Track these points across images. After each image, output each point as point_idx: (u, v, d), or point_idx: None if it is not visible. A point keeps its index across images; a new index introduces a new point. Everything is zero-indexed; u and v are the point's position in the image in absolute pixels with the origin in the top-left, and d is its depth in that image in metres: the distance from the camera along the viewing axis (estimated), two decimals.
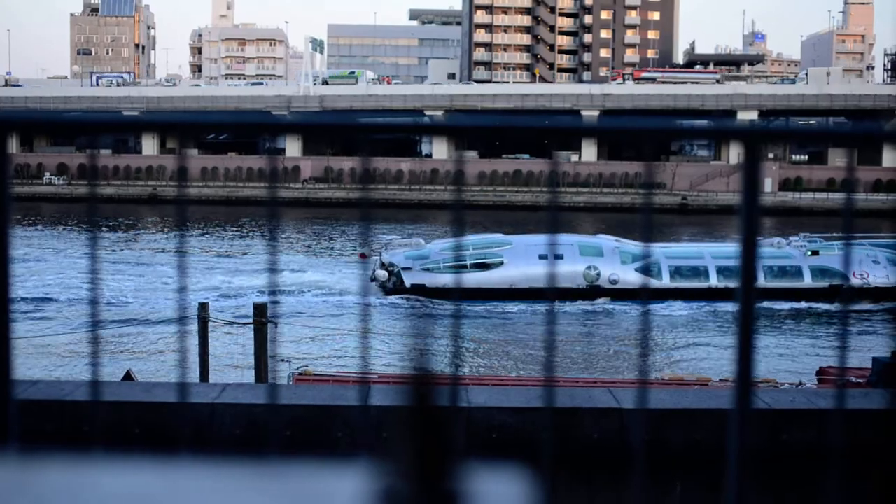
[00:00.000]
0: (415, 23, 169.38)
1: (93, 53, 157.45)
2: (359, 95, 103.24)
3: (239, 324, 24.32)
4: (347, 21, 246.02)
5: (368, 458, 0.94)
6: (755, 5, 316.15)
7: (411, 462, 0.90)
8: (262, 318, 19.73)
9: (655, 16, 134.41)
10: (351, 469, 0.95)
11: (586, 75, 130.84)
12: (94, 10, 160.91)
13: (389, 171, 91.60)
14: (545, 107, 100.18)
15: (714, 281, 37.14)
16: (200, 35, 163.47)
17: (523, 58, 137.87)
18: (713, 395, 6.45)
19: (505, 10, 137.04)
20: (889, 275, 37.84)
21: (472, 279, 37.10)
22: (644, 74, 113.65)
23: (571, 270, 37.15)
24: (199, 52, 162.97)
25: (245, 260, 48.83)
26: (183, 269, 2.19)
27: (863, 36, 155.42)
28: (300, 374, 19.97)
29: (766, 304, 35.92)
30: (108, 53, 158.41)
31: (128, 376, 19.02)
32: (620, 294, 36.89)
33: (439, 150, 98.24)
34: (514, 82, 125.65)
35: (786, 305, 36.47)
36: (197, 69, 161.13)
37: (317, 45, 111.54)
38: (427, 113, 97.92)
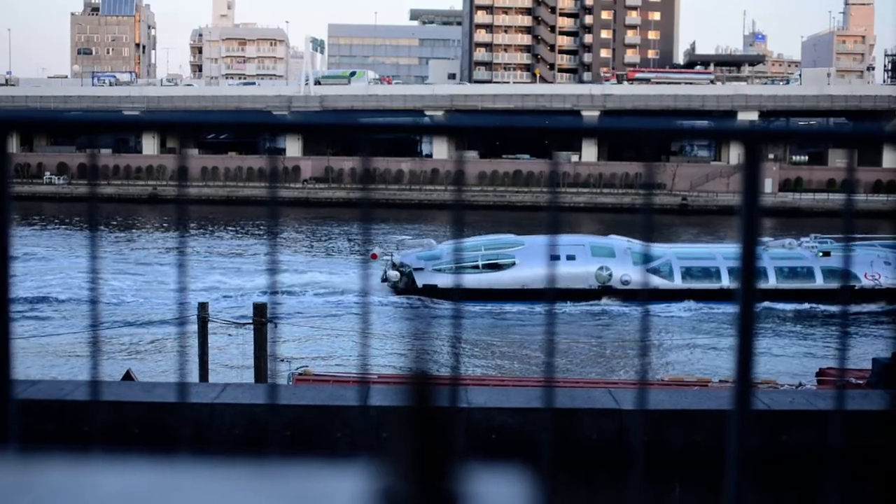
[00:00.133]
0: (415, 23, 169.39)
1: (93, 53, 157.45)
2: (359, 95, 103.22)
3: (239, 324, 24.31)
4: (348, 21, 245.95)
5: (368, 459, 0.94)
6: (756, 6, 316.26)
7: (411, 462, 0.90)
8: (262, 318, 19.74)
9: (656, 16, 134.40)
10: (350, 469, 0.95)
11: (587, 76, 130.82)
12: (95, 9, 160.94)
13: (390, 172, 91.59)
14: (545, 107, 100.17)
15: (726, 282, 37.07)
16: (201, 35, 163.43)
17: (524, 58, 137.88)
18: (712, 396, 6.46)
19: (505, 11, 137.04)
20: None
21: (485, 280, 37.11)
22: (638, 75, 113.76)
23: (584, 271, 37.20)
24: (200, 52, 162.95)
25: (245, 260, 48.81)
26: (183, 269, 2.19)
27: (863, 36, 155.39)
28: (300, 374, 19.96)
29: (777, 305, 35.95)
30: (108, 53, 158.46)
31: (128, 376, 19.02)
32: (632, 295, 36.85)
33: (440, 150, 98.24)
34: (514, 82, 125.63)
35: (796, 307, 36.46)
36: (197, 69, 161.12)
37: (317, 44, 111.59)
38: (427, 113, 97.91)
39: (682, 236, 59.52)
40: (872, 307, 35.82)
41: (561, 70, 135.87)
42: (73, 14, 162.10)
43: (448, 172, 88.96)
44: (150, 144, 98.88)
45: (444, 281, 36.49)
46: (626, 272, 37.43)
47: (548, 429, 3.65)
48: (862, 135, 2.03)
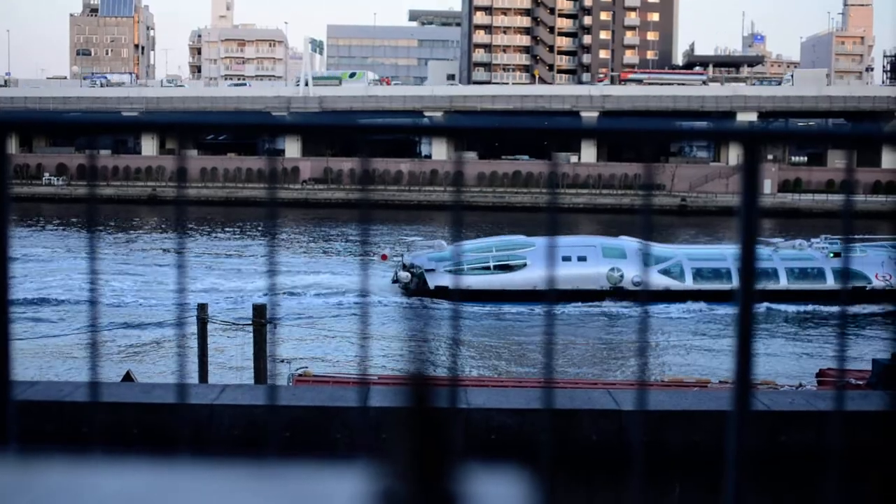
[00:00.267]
0: (414, 24, 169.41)
1: (92, 54, 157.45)
2: (358, 96, 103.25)
3: (238, 325, 24.30)
4: (347, 22, 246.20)
5: (367, 460, 0.94)
6: (755, 7, 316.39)
7: (410, 463, 0.90)
8: (262, 319, 19.73)
9: (655, 17, 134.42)
10: (350, 470, 0.95)
11: (586, 77, 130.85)
12: (94, 10, 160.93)
13: (389, 172, 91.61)
14: (544, 108, 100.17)
15: (737, 283, 37.02)
16: (200, 36, 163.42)
17: (523, 59, 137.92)
18: (712, 397, 6.46)
19: (504, 12, 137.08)
20: None
21: (496, 281, 37.07)
22: (631, 76, 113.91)
23: (595, 272, 37.23)
24: (199, 53, 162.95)
25: (244, 261, 48.80)
26: (182, 270, 2.19)
27: (862, 37, 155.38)
28: (300, 375, 19.95)
29: (789, 307, 36.06)
30: (107, 54, 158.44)
31: (127, 377, 19.02)
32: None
33: (439, 151, 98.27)
34: (513, 83, 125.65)
35: (808, 308, 36.50)
36: (196, 70, 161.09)
37: (316, 45, 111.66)
38: (426, 114, 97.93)
39: (680, 237, 59.54)
40: (875, 308, 35.81)
41: (560, 71, 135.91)
42: (71, 15, 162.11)
43: (447, 173, 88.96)
44: (149, 145, 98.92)
45: (456, 282, 36.36)
46: (638, 273, 37.42)
47: (547, 429, 3.65)
48: (861, 135, 2.03)
